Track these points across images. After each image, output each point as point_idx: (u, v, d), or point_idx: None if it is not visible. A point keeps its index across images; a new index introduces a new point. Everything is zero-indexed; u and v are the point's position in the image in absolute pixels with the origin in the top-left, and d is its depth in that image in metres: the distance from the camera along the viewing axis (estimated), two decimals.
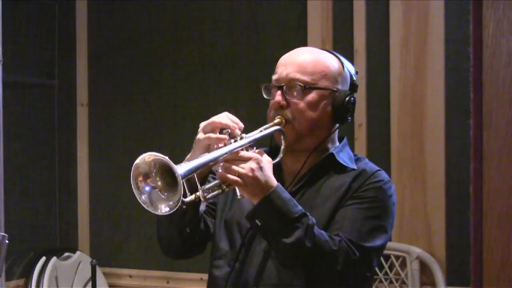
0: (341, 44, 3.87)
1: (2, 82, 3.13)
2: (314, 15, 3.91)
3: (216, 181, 1.97)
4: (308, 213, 1.99)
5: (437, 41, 3.65)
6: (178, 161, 2.05)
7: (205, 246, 2.24)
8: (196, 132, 2.08)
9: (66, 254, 4.38)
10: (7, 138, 3.81)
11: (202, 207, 2.14)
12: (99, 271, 4.23)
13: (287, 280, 2.06)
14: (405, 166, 3.72)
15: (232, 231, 2.17)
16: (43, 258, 4.25)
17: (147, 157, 1.84)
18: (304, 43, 3.78)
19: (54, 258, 4.27)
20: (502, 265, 3.61)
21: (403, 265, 3.72)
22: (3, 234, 3.01)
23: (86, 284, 4.33)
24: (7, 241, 3.00)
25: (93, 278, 3.71)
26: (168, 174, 1.81)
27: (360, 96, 3.81)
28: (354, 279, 2.03)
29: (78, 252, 4.44)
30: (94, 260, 3.74)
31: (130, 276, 4.41)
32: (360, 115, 3.81)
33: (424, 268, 3.66)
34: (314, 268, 1.99)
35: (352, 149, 3.70)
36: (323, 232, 2.00)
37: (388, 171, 3.71)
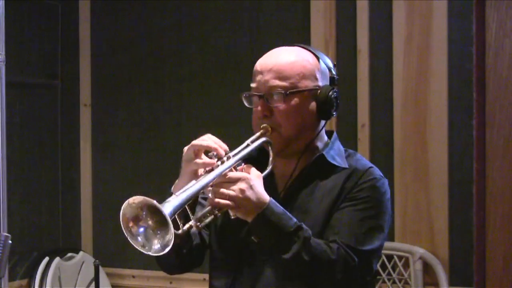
0: (344, 44, 3.87)
1: (5, 82, 3.13)
2: (317, 15, 3.91)
3: (208, 208, 1.95)
4: (303, 225, 1.97)
5: (440, 41, 3.65)
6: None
7: (203, 258, 2.22)
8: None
9: (69, 254, 4.39)
10: (10, 138, 3.82)
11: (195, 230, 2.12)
12: (102, 271, 4.24)
13: None
14: (408, 166, 3.72)
15: (228, 241, 2.14)
16: (46, 258, 4.26)
17: (131, 201, 1.79)
18: (307, 43, 3.76)
19: (57, 259, 4.27)
20: (505, 265, 3.60)
21: (406, 265, 3.72)
22: (6, 234, 3.01)
23: (89, 284, 4.34)
24: (10, 241, 3.00)
25: (96, 279, 3.71)
26: (157, 213, 1.78)
27: (363, 96, 3.81)
28: (354, 285, 2.02)
29: (81, 253, 4.44)
30: (97, 261, 3.75)
31: (133, 277, 4.41)
32: (363, 115, 3.81)
33: (427, 268, 3.66)
34: (314, 279, 1.98)
35: (355, 149, 3.73)
36: (320, 242, 1.98)
37: (391, 171, 3.72)
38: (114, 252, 4.46)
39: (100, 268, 3.99)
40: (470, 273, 3.62)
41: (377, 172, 2.14)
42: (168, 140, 4.32)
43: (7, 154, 3.20)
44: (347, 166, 2.13)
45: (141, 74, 4.44)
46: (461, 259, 3.64)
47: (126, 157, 4.45)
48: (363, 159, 2.19)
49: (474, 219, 3.60)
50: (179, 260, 2.12)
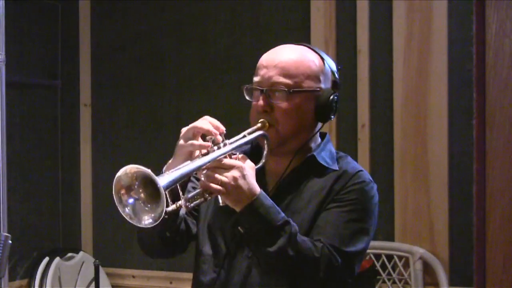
0: (344, 44, 3.87)
1: (5, 83, 3.14)
2: (317, 15, 3.91)
3: (198, 190, 1.95)
4: (291, 220, 1.97)
5: (440, 41, 3.65)
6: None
7: (186, 246, 2.23)
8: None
9: (69, 254, 4.39)
10: (10, 139, 3.83)
11: (183, 211, 2.10)
12: (102, 271, 4.24)
13: (271, 286, 2.05)
14: (408, 166, 3.71)
15: (215, 236, 2.15)
16: (46, 259, 4.26)
17: (129, 169, 1.81)
18: (307, 43, 3.77)
19: (57, 259, 4.27)
20: (505, 265, 3.61)
21: (406, 265, 3.71)
22: (6, 234, 3.02)
23: (89, 285, 4.34)
24: (10, 242, 3.00)
25: (96, 279, 3.71)
26: (150, 186, 1.79)
27: (363, 96, 3.81)
28: (336, 285, 2.02)
29: (81, 253, 4.44)
30: (97, 261, 3.74)
31: (133, 277, 4.41)
32: (363, 115, 3.80)
33: (427, 268, 3.66)
34: (297, 275, 1.98)
35: (355, 149, 3.76)
36: (305, 239, 1.98)
37: (391, 171, 3.72)
38: (114, 252, 4.46)
39: (100, 268, 3.98)
40: (470, 273, 3.63)
41: (366, 176, 2.14)
42: (168, 140, 4.31)
43: (8, 154, 3.20)
44: (337, 168, 2.14)
45: (141, 74, 4.44)
46: (461, 259, 3.64)
47: (126, 157, 4.44)
48: (353, 162, 2.19)
49: (474, 219, 3.62)
50: (161, 243, 2.12)
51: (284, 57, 2.11)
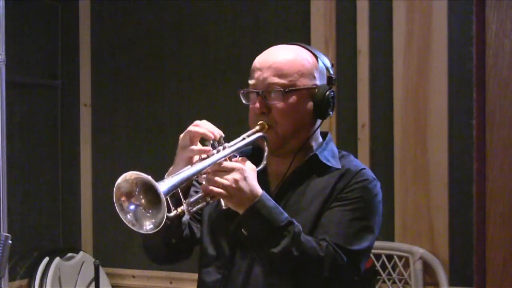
0: (344, 44, 3.87)
1: (5, 82, 3.13)
2: (317, 15, 3.91)
3: (200, 194, 1.96)
4: (294, 221, 1.97)
5: (440, 41, 3.65)
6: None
7: (191, 251, 2.24)
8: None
9: (69, 254, 4.38)
10: (10, 138, 3.83)
11: (187, 216, 2.12)
12: (102, 271, 4.24)
13: (275, 286, 2.05)
14: (408, 166, 3.71)
15: (219, 237, 2.15)
16: (46, 259, 4.26)
17: (128, 176, 1.81)
18: (307, 43, 3.76)
19: (57, 259, 4.27)
20: (505, 265, 3.61)
21: (406, 265, 3.71)
22: (6, 234, 3.02)
23: (89, 285, 4.34)
24: (10, 241, 3.00)
25: (96, 279, 3.71)
26: (151, 192, 1.79)
27: (363, 96, 3.81)
28: (341, 283, 2.03)
29: (81, 253, 4.44)
30: (97, 261, 3.74)
31: (133, 277, 4.41)
32: (363, 115, 3.80)
33: (427, 268, 3.66)
34: (301, 275, 1.98)
35: (355, 149, 3.76)
36: (309, 238, 1.99)
37: (391, 171, 3.72)
38: (114, 252, 4.46)
39: (100, 268, 3.98)
40: (470, 273, 3.63)
41: (369, 173, 2.14)
42: (168, 140, 4.32)
43: (8, 154, 3.20)
44: (339, 167, 2.14)
45: (142, 74, 4.44)
46: (461, 259, 3.64)
47: (126, 157, 4.45)
48: (356, 161, 2.20)
49: (474, 219, 3.62)
50: (167, 250, 2.13)
51: (277, 58, 2.12)
